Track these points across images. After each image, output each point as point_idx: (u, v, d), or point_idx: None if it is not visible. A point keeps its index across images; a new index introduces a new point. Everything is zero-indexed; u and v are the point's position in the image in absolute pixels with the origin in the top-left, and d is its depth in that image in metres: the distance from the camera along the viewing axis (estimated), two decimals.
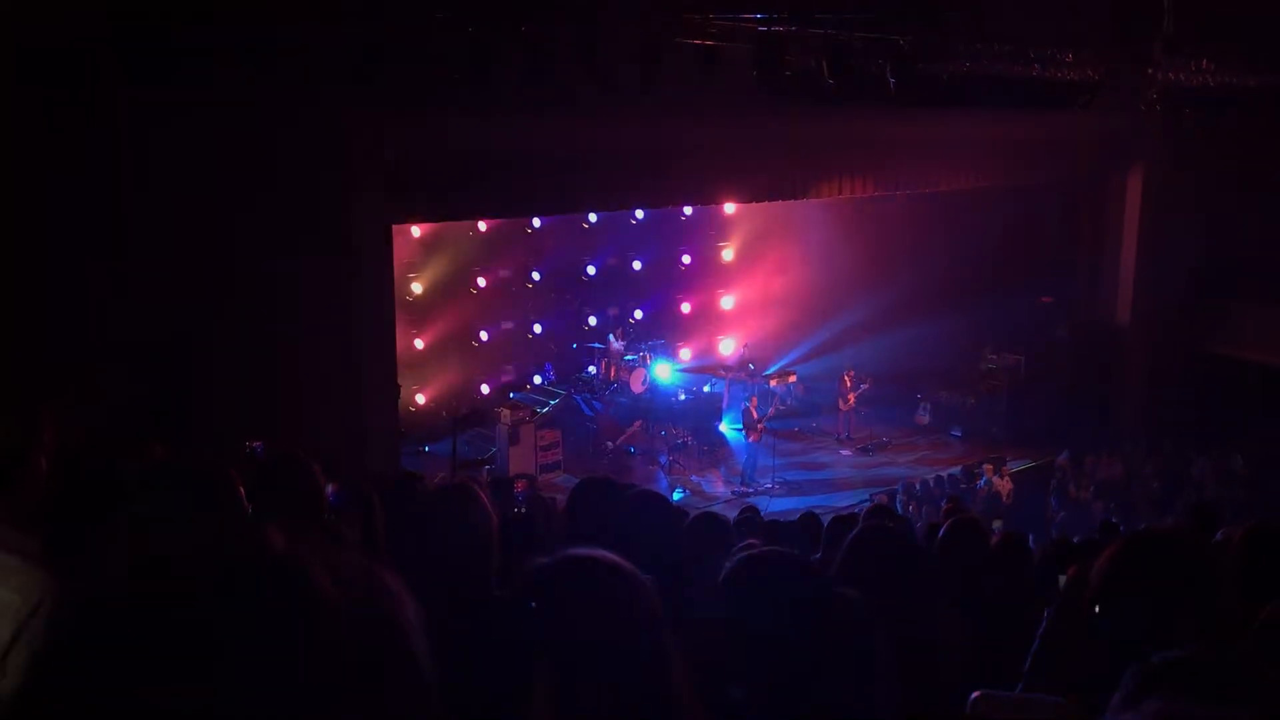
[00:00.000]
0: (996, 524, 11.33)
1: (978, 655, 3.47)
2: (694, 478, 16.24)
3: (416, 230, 16.37)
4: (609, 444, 16.29)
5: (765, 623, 2.11)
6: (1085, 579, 1.95)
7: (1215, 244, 16.86)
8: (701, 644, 2.17)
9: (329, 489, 4.11)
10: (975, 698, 0.94)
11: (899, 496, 14.47)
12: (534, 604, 1.09)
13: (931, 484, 15.40)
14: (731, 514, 8.26)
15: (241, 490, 2.52)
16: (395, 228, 12.66)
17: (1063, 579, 3.08)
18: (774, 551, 2.41)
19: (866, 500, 14.36)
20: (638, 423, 16.83)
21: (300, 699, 0.71)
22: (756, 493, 15.29)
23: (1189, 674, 1.33)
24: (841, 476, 16.66)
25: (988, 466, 15.38)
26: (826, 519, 8.18)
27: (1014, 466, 15.95)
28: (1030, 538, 8.07)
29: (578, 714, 1.16)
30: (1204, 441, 15.92)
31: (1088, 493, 14.85)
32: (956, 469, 16.08)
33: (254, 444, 6.87)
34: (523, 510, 6.49)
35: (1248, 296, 16.99)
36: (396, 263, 13.03)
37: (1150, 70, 14.32)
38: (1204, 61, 14.20)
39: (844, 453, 17.66)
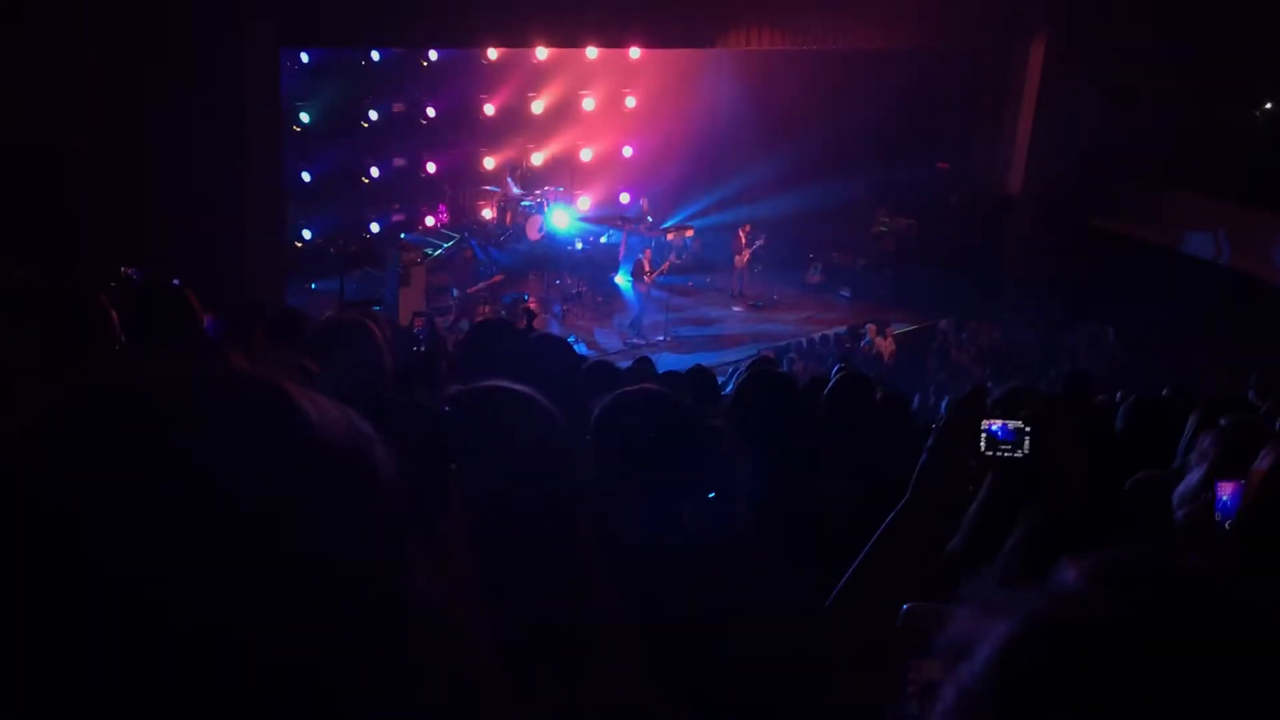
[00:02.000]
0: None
1: (859, 507, 3.57)
2: (588, 328, 16.23)
3: (305, 56, 15.54)
4: (454, 291, 15.94)
5: (633, 453, 2.16)
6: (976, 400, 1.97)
7: (1109, 119, 17.16)
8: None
9: (206, 320, 3.94)
10: (907, 609, 0.93)
11: (787, 355, 14.74)
12: (448, 409, 1.04)
13: (817, 342, 15.73)
14: (624, 365, 8.28)
15: (114, 317, 2.35)
16: (283, 52, 12.01)
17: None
18: (643, 389, 2.43)
19: (754, 355, 14.62)
20: (497, 277, 16.57)
21: (278, 526, 0.64)
22: (647, 345, 15.39)
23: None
24: (731, 333, 16.87)
25: (871, 327, 15.73)
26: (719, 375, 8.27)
27: (897, 329, 16.36)
28: (916, 400, 8.32)
29: (490, 530, 1.13)
30: (1080, 312, 16.57)
31: (967, 357, 15.36)
32: (842, 329, 16.42)
33: (129, 271, 6.55)
34: (422, 349, 6.38)
35: (1134, 173, 17.46)
36: (283, 90, 12.40)
37: None
38: None
39: (735, 309, 17.83)
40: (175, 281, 4.14)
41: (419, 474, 0.94)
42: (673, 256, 17.34)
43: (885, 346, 15.44)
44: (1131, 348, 15.65)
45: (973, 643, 0.67)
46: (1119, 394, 4.38)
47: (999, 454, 1.91)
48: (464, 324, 15.00)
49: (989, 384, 11.66)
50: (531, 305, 15.37)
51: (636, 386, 2.33)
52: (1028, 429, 1.91)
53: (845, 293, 18.62)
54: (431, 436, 1.01)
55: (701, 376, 7.84)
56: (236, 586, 0.62)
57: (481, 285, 16.31)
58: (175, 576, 0.61)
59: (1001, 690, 0.64)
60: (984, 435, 1.91)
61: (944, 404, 6.32)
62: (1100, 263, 17.18)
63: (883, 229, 18.68)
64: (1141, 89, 16.53)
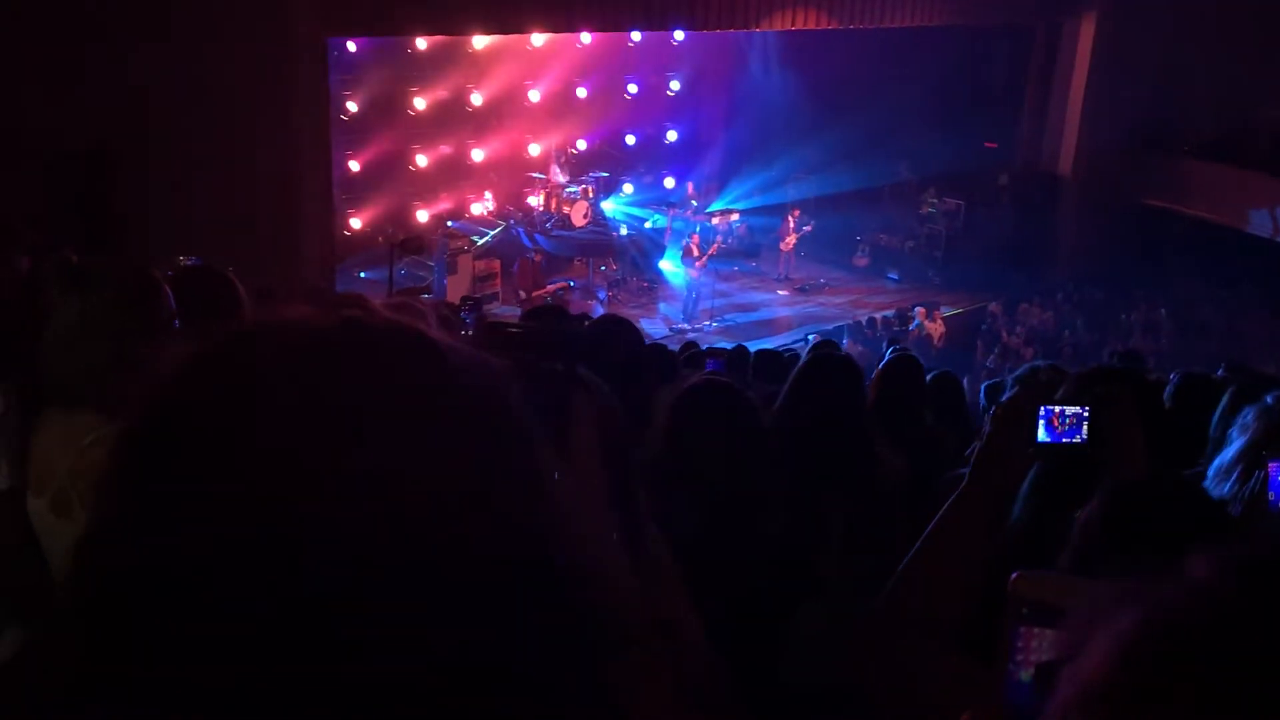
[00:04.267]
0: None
1: (913, 486, 3.54)
2: (633, 314, 16.22)
3: (352, 45, 15.66)
4: (520, 293, 15.97)
5: (702, 443, 2.18)
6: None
7: (1162, 97, 16.84)
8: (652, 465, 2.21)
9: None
10: (1016, 577, 0.92)
11: (841, 339, 14.65)
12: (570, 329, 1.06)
13: (864, 326, 15.62)
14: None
15: (169, 294, 2.41)
16: (330, 42, 12.11)
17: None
18: (710, 379, 2.44)
19: (803, 340, 14.54)
20: (562, 284, 16.56)
21: (421, 460, 0.67)
22: (694, 330, 15.37)
23: None
24: (778, 316, 16.81)
25: (920, 310, 15.59)
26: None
27: (946, 311, 16.20)
28: (965, 381, 8.22)
29: None
30: (1133, 293, 16.30)
31: (1018, 339, 15.18)
32: (890, 312, 16.29)
33: (188, 260, 6.64)
34: (469, 333, 6.39)
35: (1188, 150, 17.12)
36: (330, 80, 12.50)
37: None
38: None
39: (781, 293, 17.74)
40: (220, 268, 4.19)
41: (550, 391, 0.98)
42: (719, 239, 17.25)
43: (934, 329, 15.30)
44: (1186, 328, 15.37)
45: (1097, 631, 0.64)
46: (1173, 375, 4.31)
47: (1057, 440, 1.87)
48: (509, 310, 15.05)
49: (1039, 363, 11.52)
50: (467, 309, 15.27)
51: (703, 377, 2.37)
52: (1086, 414, 1.88)
53: (893, 275, 18.46)
54: (561, 359, 1.04)
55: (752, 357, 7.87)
56: (388, 514, 0.64)
57: (545, 290, 16.30)
58: (322, 504, 0.63)
59: (1127, 685, 0.61)
60: (1041, 422, 1.87)
61: (984, 388, 6.22)
62: (1153, 242, 16.88)
63: (930, 210, 18.47)
64: (1194, 64, 16.19)
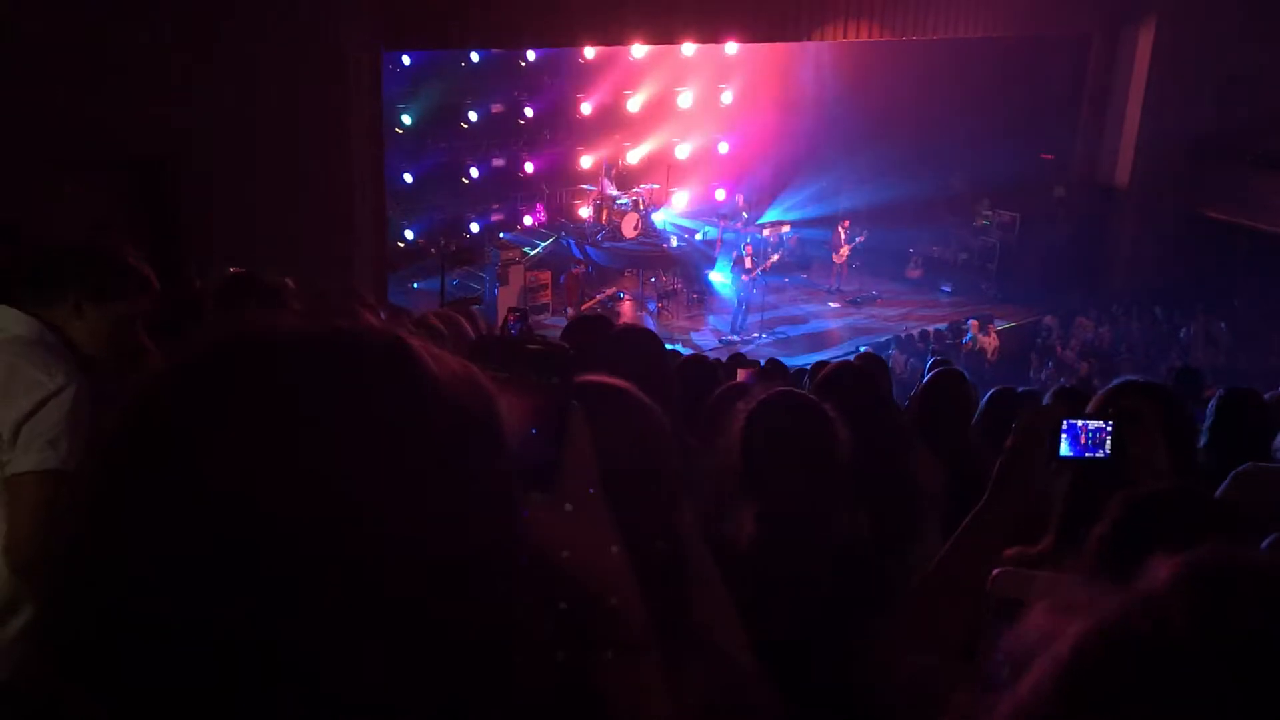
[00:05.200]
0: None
1: (954, 499, 3.51)
2: (683, 325, 16.24)
3: (407, 59, 15.89)
4: (568, 309, 15.97)
5: (778, 456, 2.18)
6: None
7: (1223, 105, 16.51)
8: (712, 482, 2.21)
9: None
10: (996, 575, 0.91)
11: (887, 351, 14.54)
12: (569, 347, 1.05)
13: (917, 338, 15.48)
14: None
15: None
16: (385, 55, 12.29)
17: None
18: (786, 392, 2.44)
19: (853, 352, 14.44)
20: (610, 290, 16.56)
21: (393, 479, 0.66)
22: (744, 342, 15.34)
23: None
24: (829, 329, 16.70)
25: (973, 323, 15.42)
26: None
27: (1000, 325, 16.00)
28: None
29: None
30: (1192, 306, 15.98)
31: (1073, 354, 14.96)
32: (943, 325, 16.13)
33: (238, 272, 6.76)
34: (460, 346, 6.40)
35: (1250, 161, 16.74)
36: (385, 92, 12.69)
37: None
38: None
39: (833, 305, 17.64)
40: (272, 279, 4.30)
41: (544, 411, 0.99)
42: (777, 253, 17.17)
43: (988, 343, 15.12)
44: (1247, 342, 15.04)
45: (1044, 642, 0.63)
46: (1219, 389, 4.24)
47: (1080, 455, 1.86)
48: (561, 321, 15.12)
49: (1094, 380, 11.34)
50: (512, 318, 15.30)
51: (780, 390, 2.36)
52: (1109, 427, 1.86)
53: (946, 288, 18.27)
54: (557, 375, 1.03)
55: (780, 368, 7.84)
56: (341, 533, 0.64)
57: (595, 299, 16.36)
58: (284, 514, 0.63)
59: (1064, 698, 0.60)
60: (1064, 435, 1.86)
61: (987, 395, 6.06)
62: (1213, 254, 16.53)
63: (985, 222, 18.27)
64: (1257, 71, 15.86)
